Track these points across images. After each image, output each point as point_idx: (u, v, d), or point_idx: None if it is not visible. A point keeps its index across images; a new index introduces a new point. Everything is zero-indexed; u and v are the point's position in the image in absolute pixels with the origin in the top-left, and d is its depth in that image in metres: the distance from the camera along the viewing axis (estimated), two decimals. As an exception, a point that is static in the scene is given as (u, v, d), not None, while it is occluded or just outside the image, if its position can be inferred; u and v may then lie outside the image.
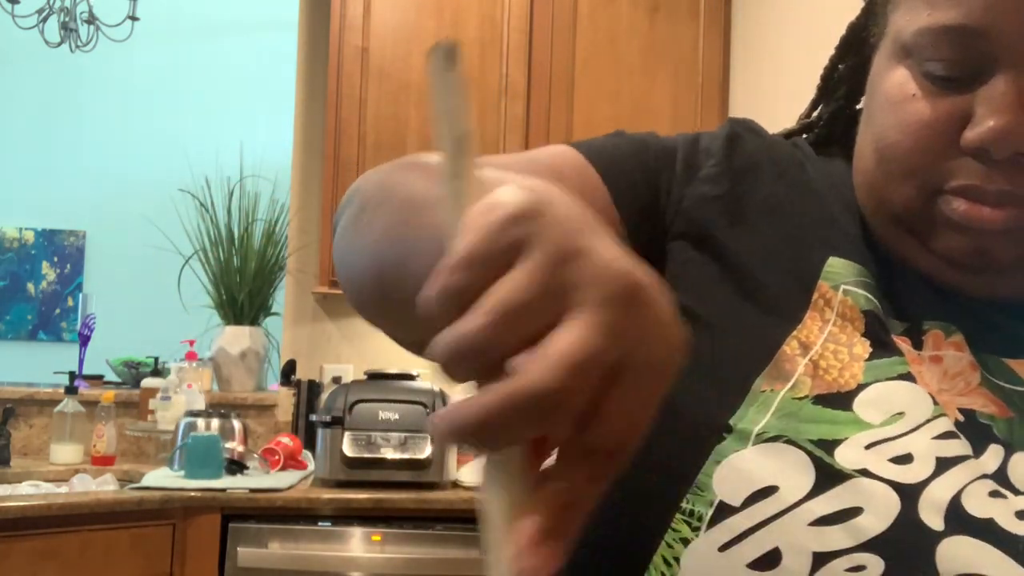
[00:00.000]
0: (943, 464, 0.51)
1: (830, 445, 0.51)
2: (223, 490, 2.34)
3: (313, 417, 2.85)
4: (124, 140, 5.44)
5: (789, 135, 0.71)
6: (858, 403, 0.53)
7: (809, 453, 0.51)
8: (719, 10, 2.96)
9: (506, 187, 0.34)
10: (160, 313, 4.04)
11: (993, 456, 0.53)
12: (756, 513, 0.50)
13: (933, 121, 0.57)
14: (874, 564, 0.48)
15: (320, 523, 2.34)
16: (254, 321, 3.08)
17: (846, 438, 0.52)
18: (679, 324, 0.35)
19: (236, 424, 2.65)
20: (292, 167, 3.16)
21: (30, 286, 5.47)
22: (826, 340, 0.56)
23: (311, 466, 2.69)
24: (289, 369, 3.03)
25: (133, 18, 4.15)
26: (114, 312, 4.42)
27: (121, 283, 5.13)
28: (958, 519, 0.49)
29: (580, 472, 0.33)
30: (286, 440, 2.69)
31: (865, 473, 0.50)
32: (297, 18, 3.19)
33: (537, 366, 0.30)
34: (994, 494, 0.51)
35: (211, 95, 5.42)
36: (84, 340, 3.49)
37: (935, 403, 0.54)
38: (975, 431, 0.54)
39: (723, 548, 0.49)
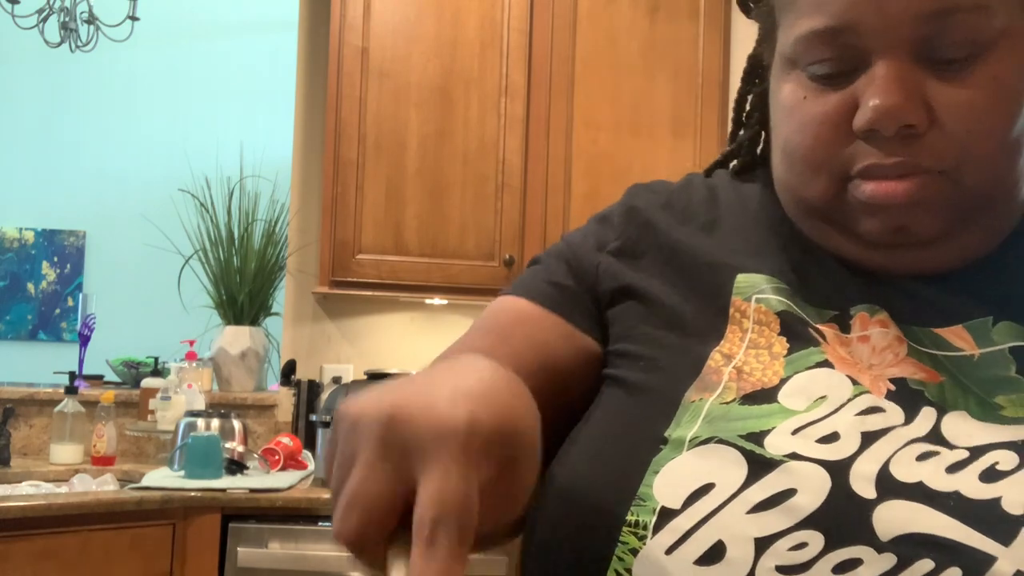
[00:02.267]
0: (868, 438, 0.54)
1: (759, 436, 0.54)
2: (223, 490, 2.34)
3: (313, 417, 2.85)
4: (124, 140, 5.44)
5: (713, 167, 0.77)
6: (782, 395, 0.57)
7: (740, 448, 0.54)
8: (719, 10, 2.96)
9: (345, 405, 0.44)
10: (160, 313, 4.04)
11: (925, 418, 0.55)
12: (696, 512, 0.52)
13: (825, 116, 0.61)
14: (815, 539, 0.50)
15: (320, 523, 2.34)
16: (254, 321, 3.08)
17: (773, 427, 0.55)
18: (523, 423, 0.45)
19: (236, 424, 2.65)
20: (292, 167, 3.16)
21: (30, 286, 5.47)
22: (747, 347, 0.60)
23: (311, 466, 2.69)
24: (289, 369, 3.03)
25: (133, 18, 4.15)
26: (114, 312, 4.42)
27: (121, 283, 5.13)
28: (889, 485, 0.51)
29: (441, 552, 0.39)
30: (286, 440, 2.69)
31: (795, 456, 0.53)
32: (297, 18, 3.19)
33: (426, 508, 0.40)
34: (923, 456, 0.53)
35: (211, 95, 5.42)
36: (84, 340, 3.49)
37: (854, 383, 0.57)
38: (907, 397, 0.57)
39: (669, 551, 0.51)
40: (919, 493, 0.51)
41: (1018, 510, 0.50)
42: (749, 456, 0.53)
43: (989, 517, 0.50)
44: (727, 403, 0.57)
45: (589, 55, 2.92)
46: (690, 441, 0.55)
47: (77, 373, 3.10)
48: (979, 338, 0.60)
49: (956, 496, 0.51)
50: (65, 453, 2.71)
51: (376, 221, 2.83)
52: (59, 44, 4.12)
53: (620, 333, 0.66)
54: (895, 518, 0.50)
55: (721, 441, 0.54)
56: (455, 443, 0.41)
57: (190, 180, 3.17)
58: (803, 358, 0.59)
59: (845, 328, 0.62)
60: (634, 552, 0.52)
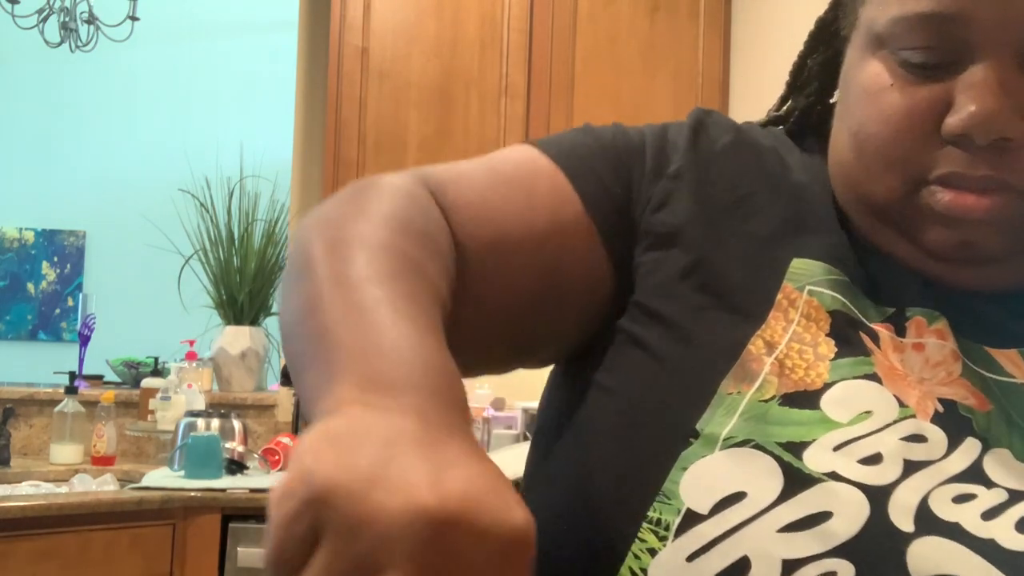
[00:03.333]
0: (910, 467, 0.51)
1: (798, 448, 0.51)
2: (223, 490, 2.34)
3: (313, 417, 2.85)
4: (124, 140, 5.44)
5: (767, 124, 0.70)
6: (825, 401, 0.53)
7: (777, 458, 0.51)
8: (719, 10, 2.96)
9: (293, 470, 0.34)
10: (160, 313, 4.04)
11: (968, 451, 0.53)
12: (724, 521, 0.49)
13: (912, 110, 0.56)
14: (844, 569, 0.47)
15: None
16: (254, 321, 3.08)
17: (814, 439, 0.51)
18: (511, 517, 0.34)
19: (236, 424, 2.65)
20: (292, 167, 3.16)
21: (30, 286, 5.47)
22: (791, 340, 0.56)
23: (311, 466, 2.68)
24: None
25: (133, 18, 4.15)
26: (114, 312, 4.42)
27: (121, 283, 5.13)
28: (928, 521, 0.49)
29: None
30: (286, 440, 2.69)
31: (834, 476, 0.50)
32: (297, 18, 3.19)
33: None
34: (960, 498, 0.50)
35: (211, 95, 5.42)
36: (84, 340, 3.49)
37: (901, 405, 0.54)
38: (954, 423, 0.53)
39: (691, 558, 0.48)
40: (956, 533, 0.49)
41: None
42: (786, 469, 0.50)
43: (1021, 568, 0.48)
44: (766, 400, 0.53)
45: (589, 55, 2.92)
46: (724, 440, 0.52)
47: (77, 373, 3.10)
48: None
49: (992, 545, 0.49)
50: (65, 453, 2.71)
51: (376, 221, 2.83)
52: (59, 44, 4.12)
53: (654, 285, 0.59)
54: (929, 557, 0.48)
55: (758, 447, 0.51)
56: (522, 562, 0.33)
57: (190, 180, 3.17)
58: (850, 366, 0.55)
59: (900, 331, 0.57)
60: (652, 552, 0.49)
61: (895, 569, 0.47)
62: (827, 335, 0.56)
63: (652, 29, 2.94)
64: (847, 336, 0.56)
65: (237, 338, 3.02)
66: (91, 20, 4.17)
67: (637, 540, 0.50)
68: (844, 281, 0.58)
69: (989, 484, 0.51)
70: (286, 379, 3.02)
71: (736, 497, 0.50)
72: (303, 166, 3.16)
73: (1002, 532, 0.49)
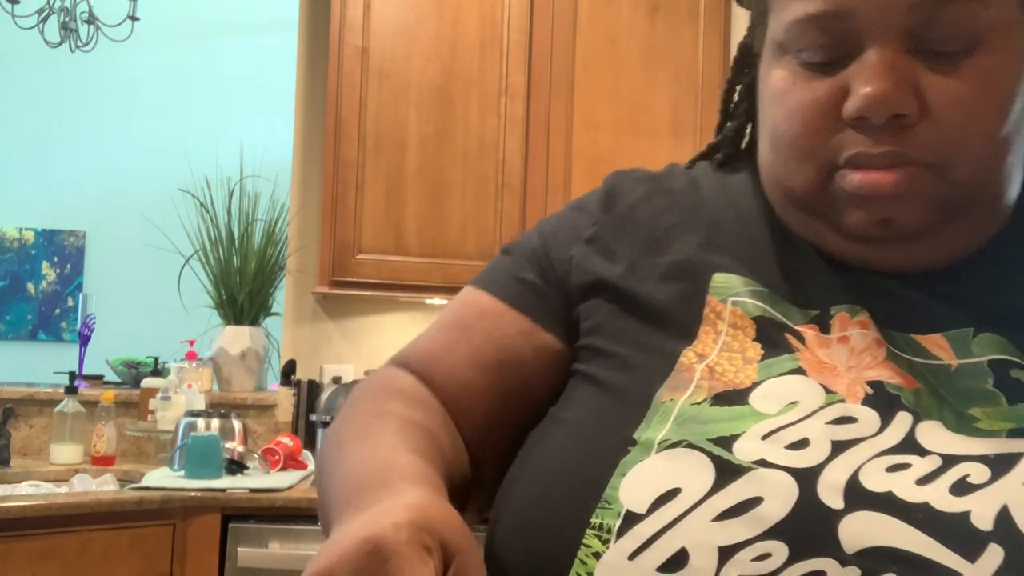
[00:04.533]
0: (838, 446, 0.53)
1: (728, 441, 0.53)
2: (223, 490, 2.34)
3: (313, 417, 2.85)
4: (124, 140, 5.44)
5: (697, 159, 0.76)
6: (753, 397, 0.56)
7: (708, 453, 0.53)
8: (719, 11, 2.96)
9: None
10: (160, 313, 4.04)
11: (900, 424, 0.55)
12: (661, 517, 0.51)
13: (815, 102, 0.60)
14: (779, 549, 0.48)
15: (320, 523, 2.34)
16: (254, 321, 3.08)
17: (743, 432, 0.53)
18: None
19: (236, 424, 2.65)
20: (292, 167, 3.16)
21: (30, 286, 5.47)
22: (721, 349, 0.59)
23: (311, 466, 2.68)
24: (289, 369, 3.04)
25: (133, 18, 4.15)
26: (114, 312, 4.42)
27: (121, 283, 5.13)
28: (857, 495, 0.50)
29: None
30: (286, 440, 2.69)
31: (763, 463, 0.52)
32: (297, 18, 3.19)
33: None
34: (893, 468, 0.52)
35: (211, 95, 5.42)
36: (84, 340, 3.49)
37: (828, 392, 0.56)
38: (883, 401, 0.56)
39: (632, 556, 0.50)
40: (888, 504, 0.50)
41: (986, 525, 0.49)
42: (717, 462, 0.52)
43: (957, 532, 0.49)
44: (698, 404, 0.56)
45: (589, 55, 2.92)
46: (659, 444, 0.54)
47: (77, 373, 3.10)
48: (958, 349, 0.59)
49: (925, 508, 0.50)
50: (65, 453, 2.71)
51: (376, 221, 2.83)
52: (59, 44, 4.12)
53: (593, 327, 0.65)
54: (861, 530, 0.49)
55: (690, 445, 0.53)
56: (370, 560, 0.43)
57: (190, 180, 3.17)
58: (777, 364, 0.58)
59: (825, 328, 0.61)
60: (597, 556, 0.51)
61: (827, 545, 0.48)
62: (753, 340, 0.60)
63: (652, 29, 2.94)
64: (773, 339, 0.59)
65: (237, 338, 3.02)
66: (91, 20, 4.17)
67: (582, 547, 0.52)
68: (764, 291, 0.62)
69: (923, 453, 0.53)
70: (286, 379, 3.02)
71: (671, 494, 0.52)
72: (303, 166, 3.16)
73: (936, 495, 0.50)
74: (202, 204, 3.09)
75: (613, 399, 0.60)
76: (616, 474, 0.54)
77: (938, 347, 0.59)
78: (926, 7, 0.57)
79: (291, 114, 3.18)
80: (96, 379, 3.26)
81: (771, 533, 0.49)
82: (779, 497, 0.50)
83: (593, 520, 0.52)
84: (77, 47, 4.16)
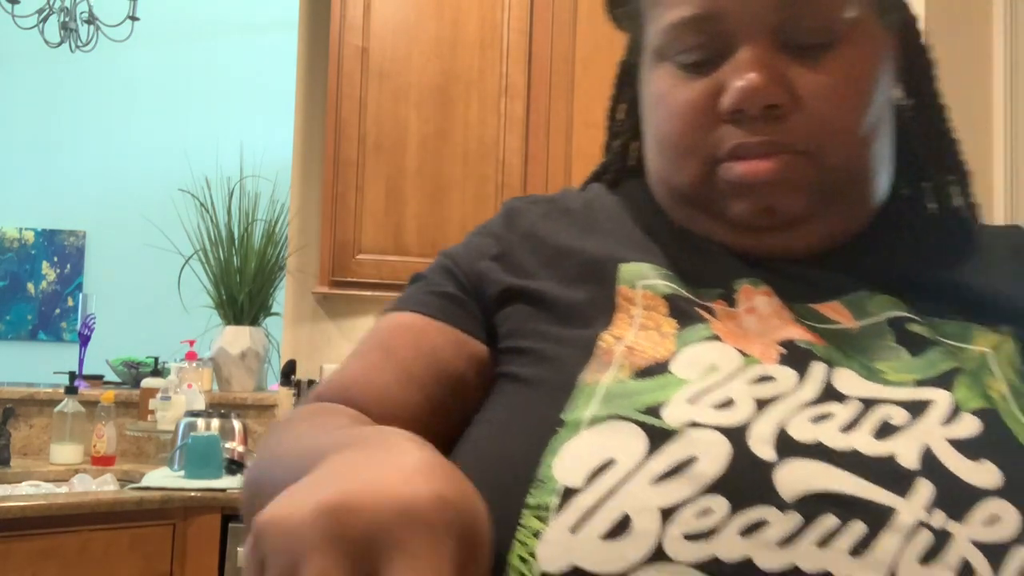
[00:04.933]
0: (762, 404, 0.54)
1: (656, 409, 0.54)
2: (223, 490, 2.34)
3: (313, 417, 2.85)
4: (124, 140, 5.44)
5: (588, 182, 0.79)
6: (674, 366, 0.57)
7: (638, 422, 0.53)
8: (719, 10, 2.96)
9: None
10: (160, 313, 4.04)
11: (816, 375, 0.57)
12: (599, 488, 0.51)
13: (693, 101, 0.64)
14: (719, 504, 0.49)
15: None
16: (254, 321, 3.08)
17: (669, 398, 0.55)
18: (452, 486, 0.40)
19: (236, 424, 2.65)
20: (292, 167, 3.16)
21: (30, 286, 5.47)
22: (637, 330, 0.61)
23: (311, 466, 2.68)
24: (289, 369, 3.04)
25: (133, 18, 4.15)
26: (114, 312, 4.42)
27: (121, 283, 5.13)
28: (787, 447, 0.52)
29: None
30: (286, 440, 2.69)
31: (693, 425, 0.53)
32: (297, 18, 3.19)
33: None
34: (817, 419, 0.54)
35: (211, 95, 5.42)
36: (84, 340, 3.49)
37: (744, 355, 0.58)
38: (797, 357, 0.58)
39: (574, 529, 0.50)
40: (818, 452, 0.52)
41: (912, 464, 0.52)
42: (648, 429, 0.53)
43: (886, 472, 0.51)
44: (621, 381, 0.57)
45: (589, 55, 2.92)
46: (588, 421, 0.54)
47: (77, 373, 3.10)
48: (856, 311, 0.63)
49: (853, 453, 0.52)
50: (65, 453, 2.71)
51: (376, 221, 2.83)
52: (59, 44, 4.13)
53: (510, 331, 0.66)
54: (797, 478, 0.50)
55: (619, 417, 0.54)
56: (422, 524, 0.37)
57: (190, 180, 3.17)
58: (693, 333, 0.60)
59: (732, 303, 0.63)
60: (537, 535, 0.50)
61: (765, 495, 0.50)
62: (667, 315, 0.62)
63: (652, 29, 2.94)
64: (685, 311, 0.62)
65: (237, 338, 3.02)
66: (91, 20, 4.17)
67: (520, 528, 0.51)
68: (671, 275, 0.65)
69: (842, 399, 0.55)
70: (286, 379, 3.02)
71: (607, 465, 0.52)
72: (303, 166, 3.16)
73: (862, 441, 0.53)
74: (202, 204, 3.09)
75: (535, 390, 0.60)
76: (547, 454, 0.53)
77: (837, 313, 0.63)
78: (790, 5, 0.62)
79: (291, 114, 3.18)
80: (96, 379, 3.26)
81: (710, 489, 0.50)
82: (713, 455, 0.51)
83: (529, 501, 0.52)
84: (77, 47, 4.16)
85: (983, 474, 0.52)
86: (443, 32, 2.88)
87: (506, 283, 0.68)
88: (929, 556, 0.48)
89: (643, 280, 0.64)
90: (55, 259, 5.49)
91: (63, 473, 2.66)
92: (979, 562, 0.48)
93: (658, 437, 0.52)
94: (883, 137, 0.67)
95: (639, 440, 0.52)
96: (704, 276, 0.65)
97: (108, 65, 5.13)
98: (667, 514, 0.49)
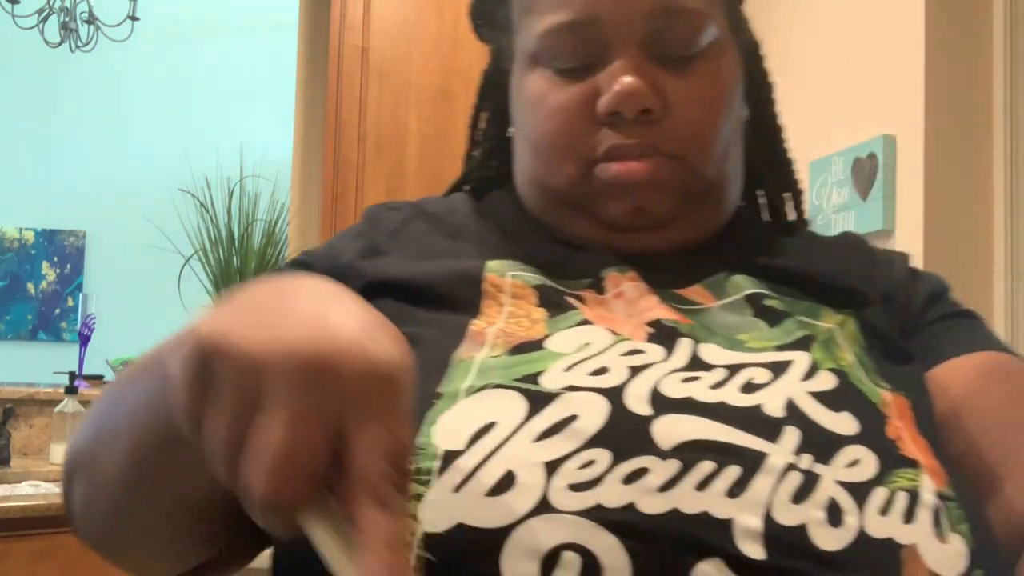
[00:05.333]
0: (636, 370, 0.57)
1: (534, 377, 0.56)
2: (223, 490, 2.34)
3: (313, 417, 2.85)
4: (124, 140, 5.44)
5: (450, 191, 0.82)
6: (548, 344, 0.60)
7: (517, 388, 0.55)
8: (719, 10, 2.96)
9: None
10: (160, 313, 4.04)
11: (684, 349, 0.60)
12: (481, 449, 0.52)
13: (570, 105, 0.67)
14: (602, 456, 0.51)
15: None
16: (254, 321, 3.07)
17: (546, 368, 0.57)
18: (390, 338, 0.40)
19: (236, 424, 2.65)
20: (292, 167, 3.16)
21: (30, 286, 5.47)
22: (507, 317, 0.63)
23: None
24: (289, 369, 3.03)
25: (133, 18, 4.15)
26: (114, 312, 4.42)
27: (121, 283, 5.13)
28: (662, 403, 0.55)
29: (376, 507, 0.37)
30: (286, 440, 2.69)
31: (571, 388, 0.55)
32: (297, 18, 3.19)
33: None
34: (687, 380, 0.57)
35: (211, 95, 5.42)
36: (84, 340, 3.49)
37: (615, 334, 0.61)
38: (665, 334, 0.61)
39: (457, 488, 0.50)
40: (690, 407, 0.55)
41: (779, 413, 0.55)
42: (527, 393, 0.54)
43: (755, 421, 0.55)
44: (496, 356, 0.58)
45: (589, 55, 2.92)
46: (465, 391, 0.55)
47: (77, 373, 3.10)
48: (716, 292, 0.68)
49: (723, 406, 0.55)
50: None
51: (376, 221, 2.83)
52: (59, 44, 4.13)
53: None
54: (673, 429, 0.53)
55: (497, 386, 0.55)
56: (393, 390, 0.38)
57: (190, 180, 3.17)
58: (564, 319, 0.62)
59: (600, 291, 0.66)
60: (418, 498, 0.50)
61: (644, 446, 0.52)
62: (537, 305, 0.64)
63: (652, 29, 2.94)
64: (554, 301, 0.64)
65: (237, 338, 3.02)
66: (91, 20, 4.17)
67: None
68: (538, 265, 0.68)
69: (709, 367, 0.59)
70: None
71: (488, 428, 0.53)
72: (303, 166, 3.16)
73: (730, 395, 0.56)
74: (202, 204, 3.09)
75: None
76: (426, 425, 0.54)
77: (699, 295, 0.67)
78: (658, 16, 0.67)
79: (291, 114, 3.18)
80: (96, 379, 3.26)
81: (592, 442, 0.52)
82: (592, 412, 0.53)
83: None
84: (77, 47, 4.16)
85: (843, 422, 0.56)
86: (443, 32, 2.88)
87: (371, 277, 0.69)
88: (800, 495, 0.51)
89: (511, 271, 0.67)
90: (55, 259, 5.49)
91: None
92: (844, 500, 0.51)
93: (538, 400, 0.54)
94: (737, 149, 0.73)
95: (519, 404, 0.54)
96: (573, 269, 0.68)
97: (108, 65, 5.13)
98: (551, 467, 0.50)
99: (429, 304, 0.65)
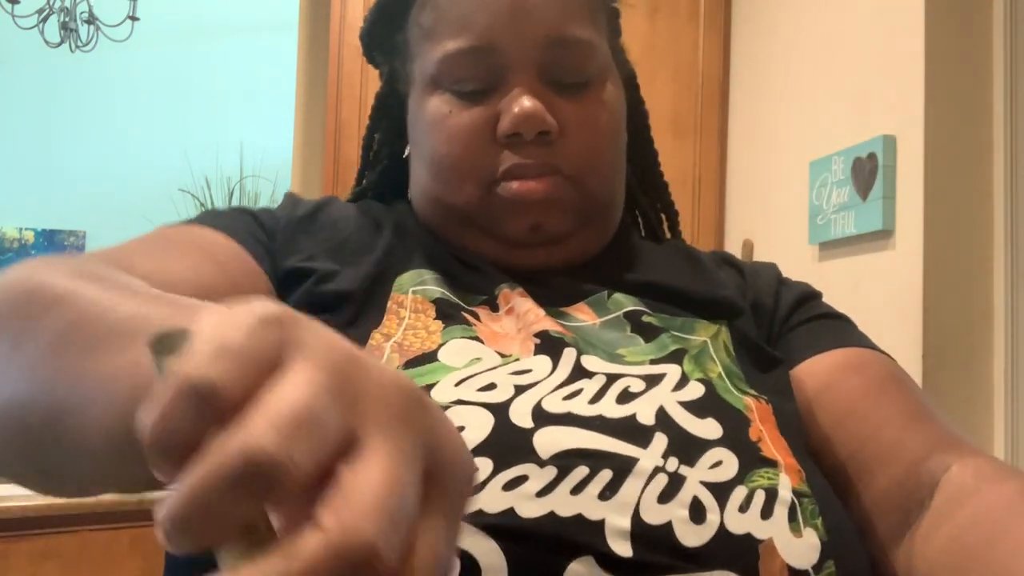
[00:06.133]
0: (520, 388, 0.60)
1: (425, 390, 0.57)
2: (223, 490, 2.34)
3: (313, 417, 2.85)
4: (124, 140, 5.44)
5: (353, 199, 0.85)
6: (441, 355, 0.63)
7: None
8: (719, 11, 2.96)
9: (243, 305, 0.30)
10: (160, 313, 4.03)
11: (567, 359, 0.64)
12: None
13: (471, 127, 0.71)
14: (484, 464, 0.54)
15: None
16: (254, 321, 3.08)
17: (438, 381, 0.60)
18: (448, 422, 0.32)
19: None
20: (292, 167, 3.16)
21: (30, 286, 5.47)
22: (405, 330, 0.66)
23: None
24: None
25: (133, 18, 4.15)
26: (114, 312, 4.41)
27: (121, 283, 5.12)
28: (543, 417, 0.58)
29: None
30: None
31: (460, 402, 0.58)
32: (297, 18, 3.19)
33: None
34: (569, 396, 0.60)
35: (211, 95, 5.42)
36: (84, 340, 3.49)
37: (503, 356, 0.64)
38: (550, 345, 0.65)
39: None
40: (569, 420, 0.58)
41: (649, 421, 0.59)
42: None
43: (628, 429, 0.58)
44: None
45: (589, 55, 2.92)
46: None
47: (77, 373, 3.09)
48: (598, 309, 0.72)
49: (600, 418, 0.59)
50: (65, 453, 2.71)
51: (376, 221, 2.83)
52: (59, 44, 4.13)
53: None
54: (552, 439, 0.56)
55: None
56: (407, 421, 0.30)
57: (190, 180, 3.17)
58: (458, 331, 0.66)
59: (494, 307, 0.70)
60: None
61: (525, 455, 0.55)
62: (435, 318, 0.67)
63: (652, 29, 2.94)
64: (451, 315, 0.68)
65: (237, 338, 3.02)
66: (91, 20, 4.17)
67: None
68: (442, 280, 0.71)
69: (590, 375, 0.63)
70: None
71: None
72: (303, 166, 3.16)
73: (607, 408, 0.60)
74: (202, 204, 3.09)
75: None
76: None
77: (582, 312, 0.72)
78: (553, 45, 0.71)
79: (291, 114, 3.18)
80: (96, 379, 3.26)
81: (475, 451, 0.55)
82: (478, 424, 0.56)
83: None
84: (77, 47, 4.16)
85: (707, 428, 0.60)
86: (443, 32, 2.88)
87: (295, 255, 0.72)
88: (665, 495, 0.55)
89: (415, 285, 0.70)
90: (55, 259, 5.49)
91: (63, 473, 2.66)
92: (707, 498, 0.55)
93: None
94: (623, 170, 0.78)
95: None
96: (471, 286, 0.72)
97: (108, 65, 5.13)
98: None
99: (337, 309, 0.68)
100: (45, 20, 4.11)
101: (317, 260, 0.72)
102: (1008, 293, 1.93)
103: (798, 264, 2.35)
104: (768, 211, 2.53)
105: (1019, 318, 1.92)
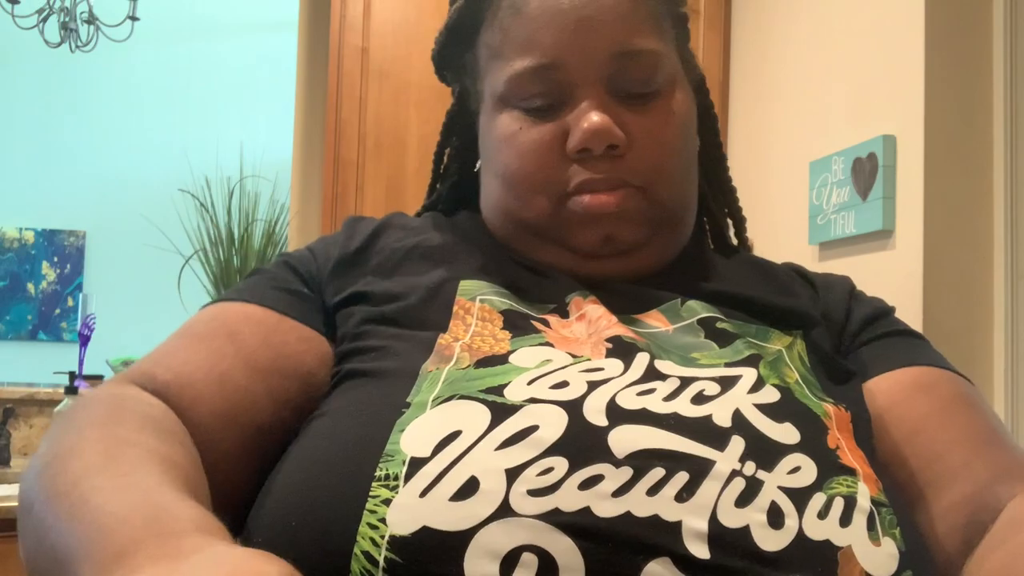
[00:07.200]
0: (593, 385, 0.60)
1: (498, 389, 0.59)
2: (223, 490, 2.34)
3: (313, 417, 2.85)
4: (124, 140, 5.44)
5: (421, 212, 0.88)
6: (512, 359, 0.63)
7: (482, 400, 0.58)
8: (719, 11, 2.96)
9: None
10: (160, 313, 4.04)
11: (640, 362, 0.64)
12: (446, 456, 0.54)
13: (541, 143, 0.72)
14: (560, 463, 0.54)
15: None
16: (254, 321, 3.07)
17: (510, 381, 0.60)
18: None
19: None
20: (292, 167, 3.16)
21: (30, 286, 5.47)
22: (472, 336, 0.67)
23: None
24: (289, 369, 3.03)
25: (133, 18, 4.15)
26: (114, 312, 4.42)
27: (121, 283, 5.13)
28: (617, 414, 0.58)
29: None
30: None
31: (533, 401, 0.58)
32: (297, 18, 3.19)
33: None
34: (642, 392, 0.60)
35: (211, 95, 5.42)
36: (84, 340, 3.48)
37: (575, 357, 0.64)
38: (623, 349, 0.65)
39: (423, 493, 0.52)
40: (644, 417, 0.58)
41: (726, 423, 0.59)
42: (491, 405, 0.57)
43: (704, 430, 0.58)
44: (463, 369, 0.62)
45: (589, 55, 2.91)
46: (432, 401, 0.58)
47: (77, 373, 3.10)
48: (671, 317, 0.72)
49: (675, 417, 0.59)
50: (65, 453, 2.71)
51: (376, 221, 2.83)
52: (59, 44, 4.13)
53: (348, 333, 0.70)
54: (626, 439, 0.56)
55: (463, 397, 0.58)
56: None
57: (190, 180, 3.17)
58: (527, 340, 0.66)
59: (564, 314, 0.71)
60: (387, 503, 0.52)
61: (600, 454, 0.55)
62: (502, 329, 0.68)
63: (652, 29, 2.94)
64: (519, 325, 0.68)
65: (237, 338, 3.02)
66: (91, 20, 4.17)
67: (370, 498, 0.53)
68: (508, 293, 0.72)
69: (664, 377, 0.63)
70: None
71: (452, 436, 0.56)
72: (303, 166, 3.16)
73: (682, 406, 0.60)
74: (202, 204, 3.10)
75: (380, 380, 0.63)
76: (395, 432, 0.56)
77: (656, 320, 0.72)
78: (620, 58, 0.72)
79: (291, 114, 3.18)
80: (96, 379, 3.26)
81: (550, 451, 0.54)
82: (552, 423, 0.56)
83: (378, 473, 0.54)
84: (77, 47, 4.16)
85: (785, 432, 0.60)
86: (443, 32, 2.88)
87: (348, 288, 0.73)
88: (743, 499, 0.54)
89: (481, 295, 0.71)
90: (55, 259, 5.49)
91: (63, 473, 2.66)
92: (785, 504, 0.55)
93: (501, 411, 0.57)
94: (694, 178, 0.78)
95: (483, 414, 0.57)
96: (540, 295, 0.72)
97: (108, 65, 5.13)
98: (512, 474, 0.53)
99: (400, 319, 0.69)
100: (45, 20, 4.11)
101: (373, 284, 0.73)
102: (1008, 293, 1.93)
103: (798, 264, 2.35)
104: (768, 211, 2.53)
105: (1019, 318, 1.92)
